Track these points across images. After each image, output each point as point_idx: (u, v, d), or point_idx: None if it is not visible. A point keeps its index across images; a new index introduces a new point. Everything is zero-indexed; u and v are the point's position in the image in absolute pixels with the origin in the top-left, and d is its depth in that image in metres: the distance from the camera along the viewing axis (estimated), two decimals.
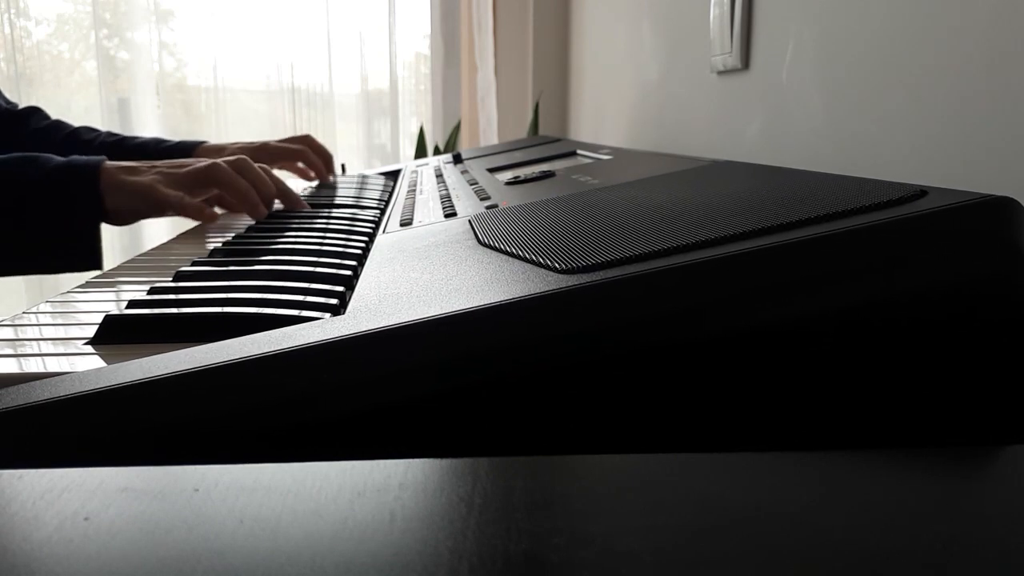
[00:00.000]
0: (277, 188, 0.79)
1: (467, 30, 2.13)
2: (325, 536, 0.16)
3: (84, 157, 0.69)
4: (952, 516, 0.18)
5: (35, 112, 1.03)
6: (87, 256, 0.67)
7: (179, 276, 0.48)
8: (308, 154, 1.05)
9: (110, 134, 1.03)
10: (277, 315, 0.37)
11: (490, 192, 0.67)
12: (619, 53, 1.39)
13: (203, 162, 0.74)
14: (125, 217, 0.70)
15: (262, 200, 0.75)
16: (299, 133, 1.13)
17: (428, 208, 0.66)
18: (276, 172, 1.09)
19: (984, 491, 0.20)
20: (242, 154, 0.99)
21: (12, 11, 2.05)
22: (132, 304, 0.40)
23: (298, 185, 1.08)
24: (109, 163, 0.69)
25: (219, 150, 1.00)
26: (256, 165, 0.78)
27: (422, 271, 0.38)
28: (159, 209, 0.71)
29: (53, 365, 0.33)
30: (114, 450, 0.25)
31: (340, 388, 0.26)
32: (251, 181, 0.75)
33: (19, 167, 0.66)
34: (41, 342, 0.38)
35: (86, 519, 0.17)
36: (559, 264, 0.31)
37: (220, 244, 0.60)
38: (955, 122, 0.51)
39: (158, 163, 0.73)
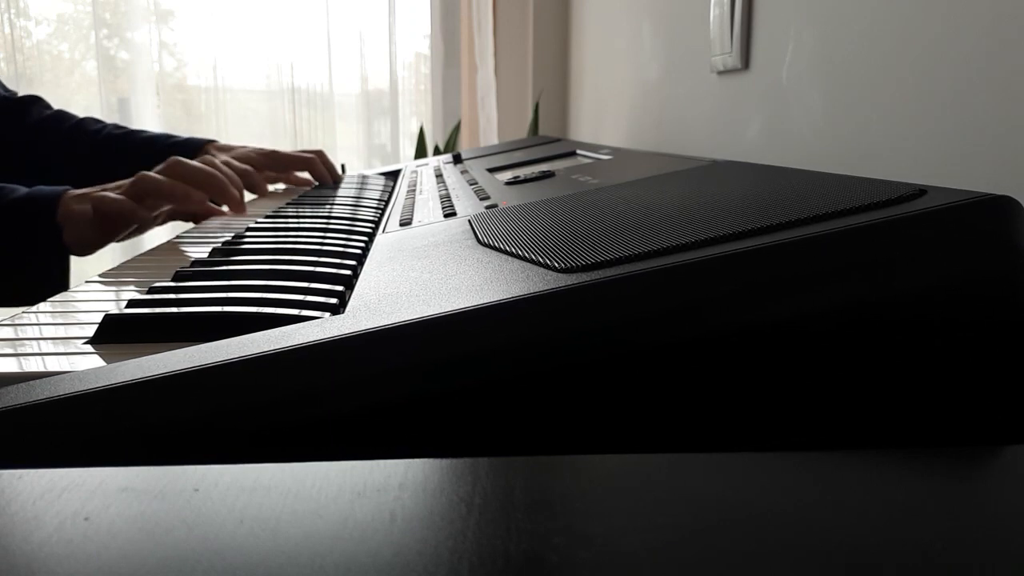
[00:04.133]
0: (232, 179, 0.76)
1: (467, 30, 2.13)
2: (325, 536, 0.16)
3: (47, 188, 0.68)
4: (952, 516, 0.18)
5: (36, 101, 1.01)
6: (50, 286, 0.66)
7: (179, 276, 0.48)
8: (316, 163, 1.04)
9: (116, 126, 1.02)
10: (276, 314, 0.37)
11: (490, 192, 0.67)
12: (619, 53, 1.39)
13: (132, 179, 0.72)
14: (83, 248, 0.69)
15: (195, 190, 0.71)
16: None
17: (428, 208, 0.66)
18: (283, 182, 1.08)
19: (984, 491, 0.20)
20: (251, 157, 0.98)
21: (12, 11, 2.05)
22: (132, 304, 0.40)
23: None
24: (69, 192, 0.67)
25: (227, 150, 1.00)
26: (201, 158, 0.75)
27: (422, 270, 0.38)
28: (106, 233, 0.68)
29: (53, 364, 0.33)
30: (114, 450, 0.25)
31: (339, 387, 0.26)
32: (181, 176, 0.70)
33: None
34: (41, 341, 0.38)
35: (86, 519, 0.17)
36: (559, 263, 0.31)
37: (220, 244, 0.60)
38: (955, 121, 0.51)
39: (109, 186, 0.71)
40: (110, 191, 0.70)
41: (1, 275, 0.67)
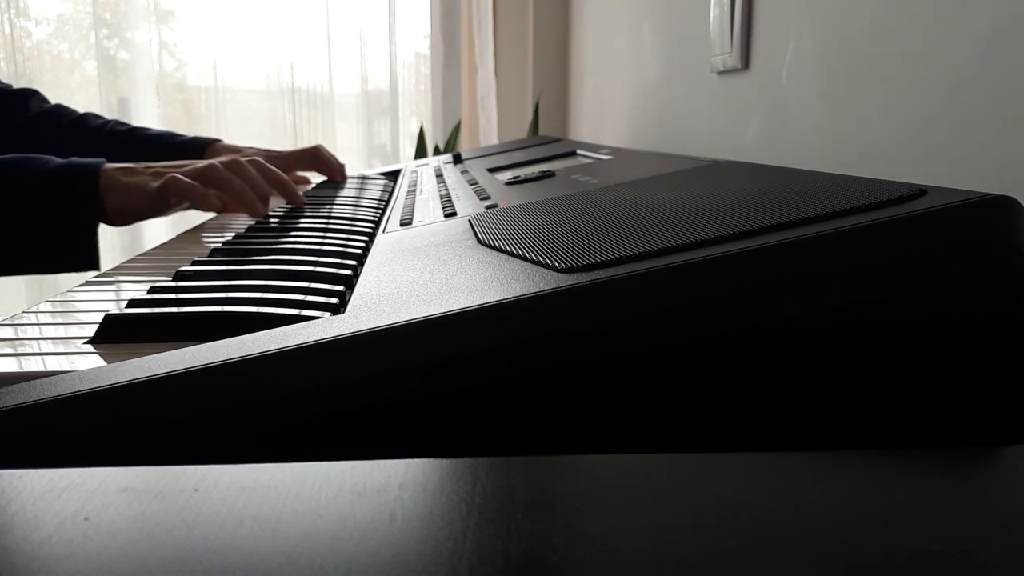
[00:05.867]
0: (278, 180, 0.79)
1: (467, 30, 2.13)
2: (325, 536, 0.16)
3: (83, 159, 0.69)
4: (952, 516, 0.18)
5: (34, 95, 1.01)
6: (85, 257, 0.67)
7: (179, 275, 0.48)
8: (322, 150, 1.05)
9: (119, 122, 1.02)
10: (277, 314, 0.37)
11: (490, 192, 0.67)
12: (619, 53, 1.39)
13: (199, 163, 0.74)
14: (125, 217, 0.71)
15: (259, 199, 0.75)
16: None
17: (428, 208, 0.66)
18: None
19: (984, 491, 0.20)
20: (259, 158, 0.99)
21: (12, 11, 2.05)
22: (132, 303, 0.40)
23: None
24: (108, 165, 0.69)
25: (234, 150, 1.00)
26: (251, 160, 0.77)
27: (422, 270, 0.38)
28: (161, 206, 0.71)
29: (53, 364, 0.33)
30: (114, 449, 0.25)
31: (340, 387, 0.26)
32: (245, 180, 0.74)
33: (18, 168, 0.66)
34: (41, 341, 0.38)
35: (86, 519, 0.17)
36: (559, 263, 0.31)
37: (220, 244, 0.60)
38: (955, 121, 0.51)
39: (153, 164, 0.73)
40: (174, 170, 0.71)
41: (39, 243, 0.67)
